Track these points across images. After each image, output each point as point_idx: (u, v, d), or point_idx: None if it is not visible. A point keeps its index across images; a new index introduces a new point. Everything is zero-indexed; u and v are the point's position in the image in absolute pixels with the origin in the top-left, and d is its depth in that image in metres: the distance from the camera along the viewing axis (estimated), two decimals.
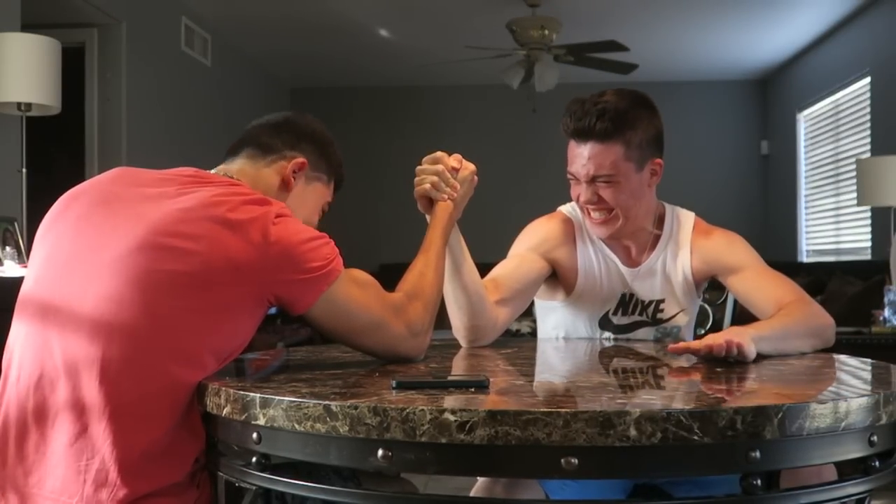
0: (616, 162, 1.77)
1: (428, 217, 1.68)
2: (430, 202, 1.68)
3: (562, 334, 2.01)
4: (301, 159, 1.52)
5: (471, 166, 1.72)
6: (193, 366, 1.27)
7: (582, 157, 1.79)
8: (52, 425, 1.25)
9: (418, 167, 1.69)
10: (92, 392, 1.23)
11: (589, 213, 1.87)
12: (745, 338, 1.48)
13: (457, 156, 1.72)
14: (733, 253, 1.89)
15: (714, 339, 1.46)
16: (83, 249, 1.30)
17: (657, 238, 1.93)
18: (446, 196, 1.67)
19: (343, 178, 1.65)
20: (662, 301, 1.92)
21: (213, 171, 1.48)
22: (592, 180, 1.80)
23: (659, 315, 1.92)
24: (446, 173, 1.67)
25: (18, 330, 1.33)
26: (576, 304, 1.96)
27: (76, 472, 1.23)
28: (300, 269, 1.31)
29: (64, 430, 1.24)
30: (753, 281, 1.83)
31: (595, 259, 1.93)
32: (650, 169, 1.84)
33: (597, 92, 1.83)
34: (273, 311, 1.40)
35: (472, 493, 1.63)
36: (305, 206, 1.54)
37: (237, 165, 1.51)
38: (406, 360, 1.48)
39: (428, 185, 1.66)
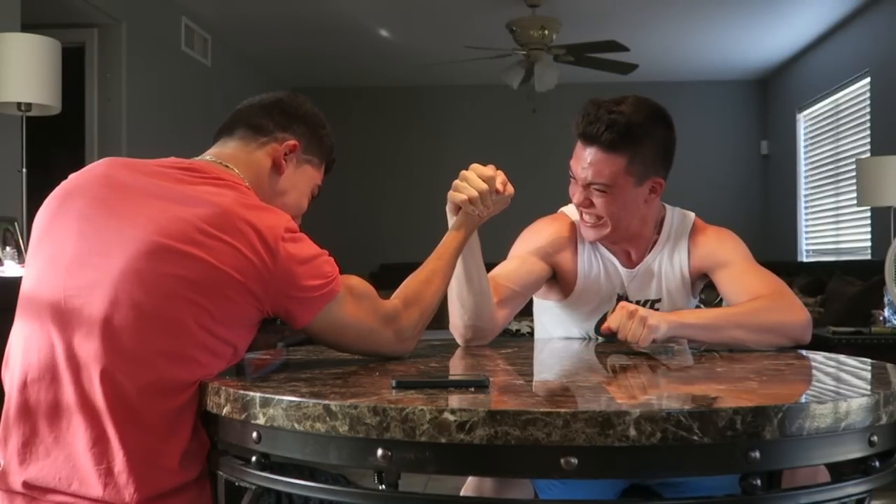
0: (616, 173, 1.76)
1: (450, 219, 1.67)
2: (459, 208, 1.66)
3: (558, 334, 2.01)
4: (293, 141, 1.51)
5: (511, 190, 1.69)
6: (197, 367, 1.27)
7: (584, 160, 1.79)
8: (67, 428, 1.24)
9: (463, 171, 1.66)
10: (103, 394, 1.22)
11: (581, 214, 1.88)
12: (655, 322, 1.58)
13: (502, 177, 1.68)
14: (722, 249, 1.89)
15: (618, 325, 1.60)
16: (88, 253, 1.29)
17: (656, 241, 1.93)
18: (477, 213, 1.65)
19: (333, 161, 1.62)
20: (658, 301, 1.91)
21: (205, 156, 1.47)
22: (588, 185, 1.80)
23: None
24: (488, 194, 1.64)
25: (22, 330, 1.32)
26: (573, 305, 1.96)
27: (95, 474, 1.22)
28: (302, 289, 1.32)
29: (78, 432, 1.23)
30: (735, 275, 1.84)
31: (595, 261, 1.93)
32: (650, 185, 1.82)
33: (618, 96, 1.79)
34: None
35: (462, 491, 1.64)
36: (296, 189, 1.54)
37: (229, 150, 1.48)
38: (389, 359, 1.50)
39: (465, 198, 1.63)
